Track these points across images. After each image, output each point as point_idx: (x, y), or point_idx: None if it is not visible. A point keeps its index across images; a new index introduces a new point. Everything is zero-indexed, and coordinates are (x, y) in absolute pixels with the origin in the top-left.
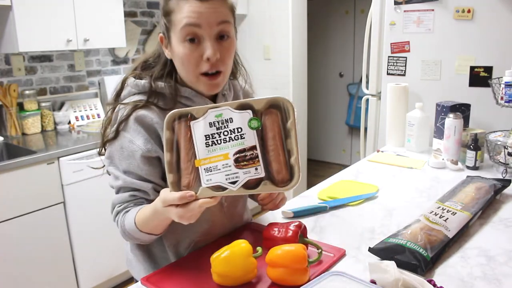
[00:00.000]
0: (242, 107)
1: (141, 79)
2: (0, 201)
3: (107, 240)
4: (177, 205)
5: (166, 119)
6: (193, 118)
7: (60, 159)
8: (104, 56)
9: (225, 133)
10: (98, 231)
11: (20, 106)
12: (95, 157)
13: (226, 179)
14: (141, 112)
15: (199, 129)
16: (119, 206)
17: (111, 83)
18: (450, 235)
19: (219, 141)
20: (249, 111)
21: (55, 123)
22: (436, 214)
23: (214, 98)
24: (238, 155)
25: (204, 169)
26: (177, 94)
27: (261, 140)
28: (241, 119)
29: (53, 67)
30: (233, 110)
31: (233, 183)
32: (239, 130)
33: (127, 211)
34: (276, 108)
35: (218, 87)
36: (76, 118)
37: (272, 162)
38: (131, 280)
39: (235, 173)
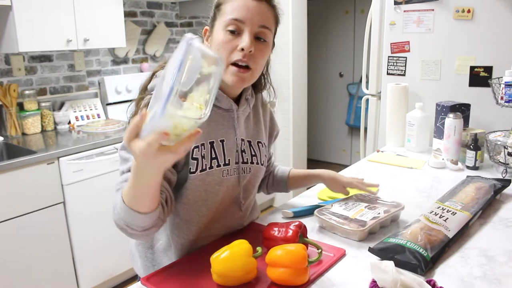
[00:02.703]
0: None
1: None
2: (0, 201)
3: (107, 240)
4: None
5: None
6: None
7: (60, 159)
8: (104, 56)
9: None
10: (98, 231)
11: (20, 106)
12: (95, 157)
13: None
14: None
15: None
16: (119, 185)
17: (111, 83)
18: (450, 235)
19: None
20: None
21: (55, 123)
22: (436, 214)
23: (237, 100)
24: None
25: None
26: None
27: None
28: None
29: (53, 67)
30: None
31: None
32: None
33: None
34: None
35: (243, 82)
36: (76, 118)
37: None
38: (131, 280)
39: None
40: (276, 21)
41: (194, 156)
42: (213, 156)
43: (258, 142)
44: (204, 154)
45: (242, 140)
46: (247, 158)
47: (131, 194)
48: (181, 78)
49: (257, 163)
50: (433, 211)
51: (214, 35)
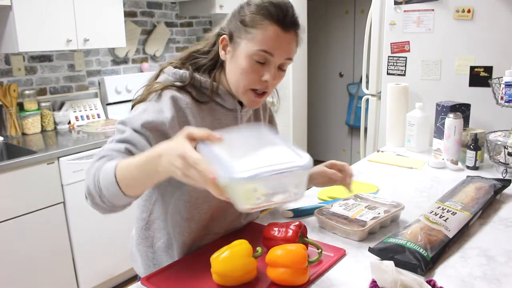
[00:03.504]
0: None
1: (180, 69)
2: (0, 201)
3: (107, 240)
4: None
5: None
6: None
7: (60, 159)
8: (104, 56)
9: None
10: (98, 231)
11: (20, 106)
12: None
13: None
14: (177, 94)
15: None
16: (107, 152)
17: (111, 83)
18: (450, 235)
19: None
20: None
21: (55, 123)
22: (436, 214)
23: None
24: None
25: None
26: (216, 93)
27: None
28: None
29: (53, 67)
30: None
31: None
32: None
33: (111, 158)
34: None
35: (258, 104)
36: (76, 118)
37: None
38: (131, 280)
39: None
40: (297, 46)
41: None
42: None
43: None
44: None
45: None
46: None
47: (130, 175)
48: (269, 179)
49: None
50: (433, 211)
51: (238, 57)
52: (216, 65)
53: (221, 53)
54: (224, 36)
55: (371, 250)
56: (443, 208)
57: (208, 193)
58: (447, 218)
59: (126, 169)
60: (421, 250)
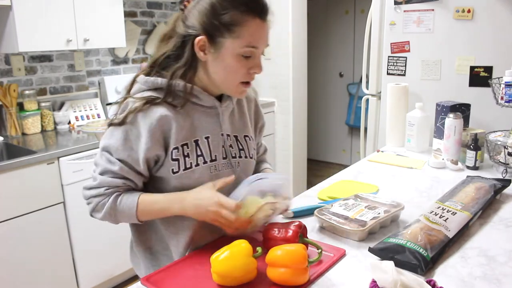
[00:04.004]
0: None
1: (150, 77)
2: (0, 201)
3: (107, 240)
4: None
5: None
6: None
7: (60, 159)
8: (104, 56)
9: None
10: (98, 231)
11: (20, 106)
12: (95, 157)
13: None
14: (152, 108)
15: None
16: (107, 189)
17: (111, 83)
18: (450, 235)
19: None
20: None
21: (55, 123)
22: (436, 214)
23: (219, 97)
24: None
25: None
26: (191, 93)
27: None
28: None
29: (53, 67)
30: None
31: None
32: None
33: (119, 194)
34: None
35: (246, 92)
36: (76, 118)
37: None
38: (131, 280)
39: None
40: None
41: (174, 157)
42: (199, 153)
43: (245, 136)
44: (187, 153)
45: (228, 135)
46: (235, 153)
47: (150, 213)
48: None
49: (246, 157)
50: (433, 211)
51: (223, 56)
52: (189, 66)
53: (199, 54)
54: (201, 37)
55: (371, 250)
56: (443, 208)
57: None
58: (447, 218)
59: (149, 210)
60: (421, 250)
